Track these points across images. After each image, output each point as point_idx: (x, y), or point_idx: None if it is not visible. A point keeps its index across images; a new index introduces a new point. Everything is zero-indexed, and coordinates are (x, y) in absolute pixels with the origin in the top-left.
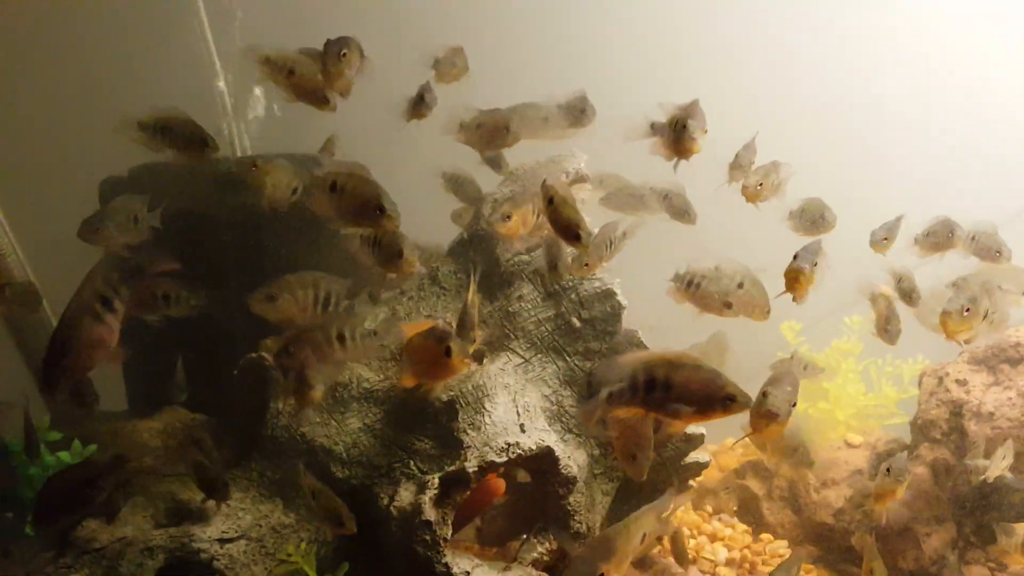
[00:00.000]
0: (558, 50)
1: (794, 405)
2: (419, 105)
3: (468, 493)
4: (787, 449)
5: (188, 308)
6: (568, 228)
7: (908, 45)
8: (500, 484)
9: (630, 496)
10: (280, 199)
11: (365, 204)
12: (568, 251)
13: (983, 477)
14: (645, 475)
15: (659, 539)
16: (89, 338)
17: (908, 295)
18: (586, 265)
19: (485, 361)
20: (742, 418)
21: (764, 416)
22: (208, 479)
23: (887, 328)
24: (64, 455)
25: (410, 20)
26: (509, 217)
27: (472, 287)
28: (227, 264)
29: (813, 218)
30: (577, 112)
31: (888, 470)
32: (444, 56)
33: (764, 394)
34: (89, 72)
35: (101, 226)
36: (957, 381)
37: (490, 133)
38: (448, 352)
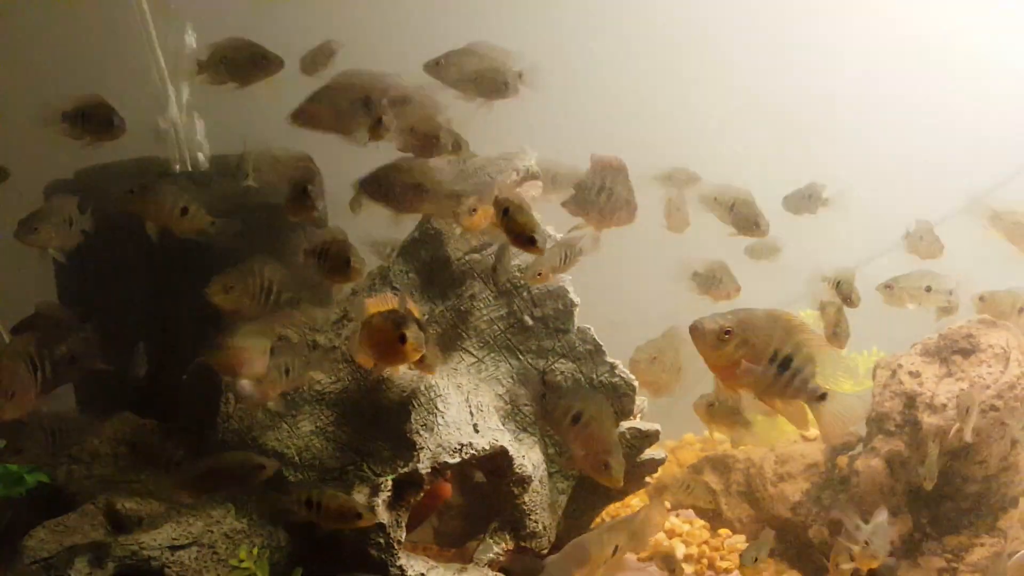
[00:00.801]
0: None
1: (728, 334)
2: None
3: (421, 495)
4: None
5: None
6: (523, 234)
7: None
8: (446, 487)
9: (587, 494)
10: (167, 222)
11: None
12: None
13: (965, 438)
14: (622, 480)
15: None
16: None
17: (848, 298)
18: (538, 275)
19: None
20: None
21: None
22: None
23: (836, 332)
24: (12, 466)
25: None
26: (475, 211)
27: None
28: (173, 264)
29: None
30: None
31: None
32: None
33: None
34: (35, 72)
35: (39, 226)
36: (910, 373)
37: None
38: (403, 339)
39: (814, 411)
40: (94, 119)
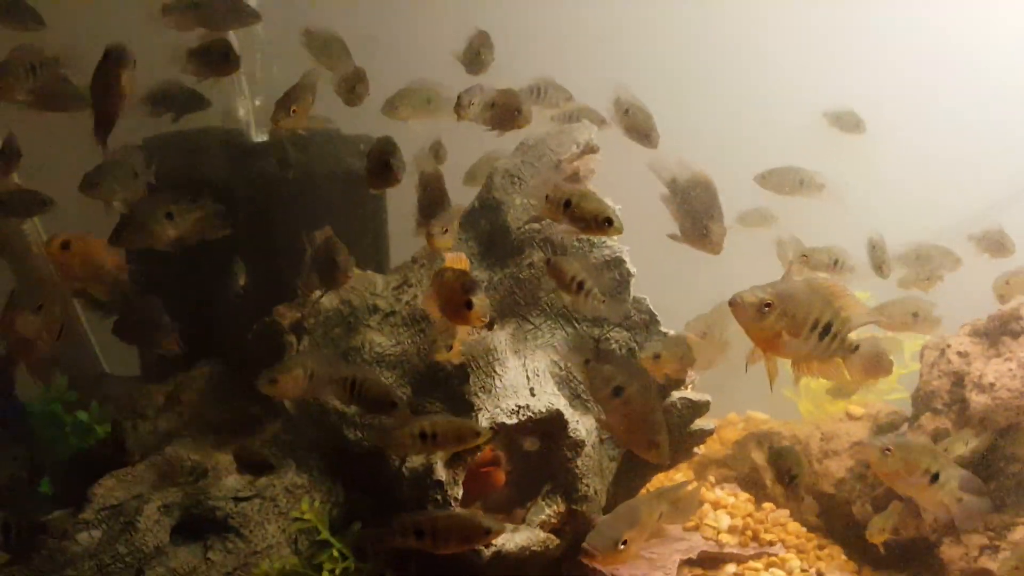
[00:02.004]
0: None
1: (769, 306)
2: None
3: (479, 455)
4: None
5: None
6: (596, 219)
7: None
8: (500, 474)
9: (636, 462)
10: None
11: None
12: None
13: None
14: (669, 458)
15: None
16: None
17: (879, 266)
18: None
19: (496, 327)
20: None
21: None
22: (250, 461)
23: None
24: (82, 414)
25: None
26: (446, 231)
27: None
28: (238, 233)
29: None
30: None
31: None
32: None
33: None
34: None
35: (101, 180)
36: (959, 353)
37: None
38: (469, 304)
39: (848, 364)
40: (215, 55)
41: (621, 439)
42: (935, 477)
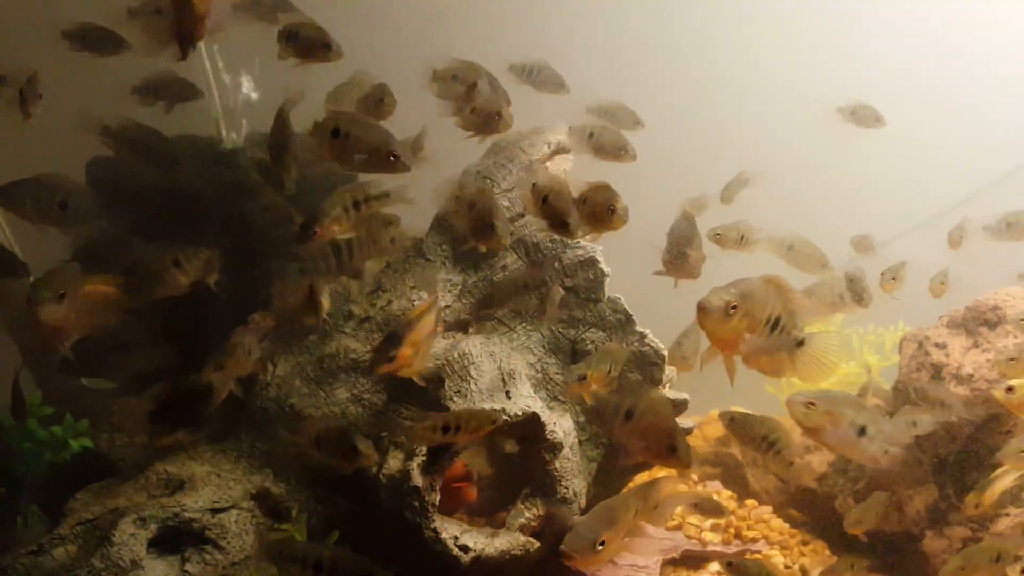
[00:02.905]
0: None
1: (735, 308)
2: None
3: (451, 470)
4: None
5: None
6: (558, 219)
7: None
8: (472, 490)
9: (615, 463)
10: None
11: None
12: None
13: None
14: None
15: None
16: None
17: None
18: None
19: (471, 330)
20: (725, 388)
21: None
22: (272, 507)
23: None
24: (57, 429)
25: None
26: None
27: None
28: (215, 240)
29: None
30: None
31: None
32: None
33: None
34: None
35: (20, 195)
36: (937, 344)
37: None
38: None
39: (794, 359)
40: (306, 41)
41: (641, 456)
42: (862, 430)
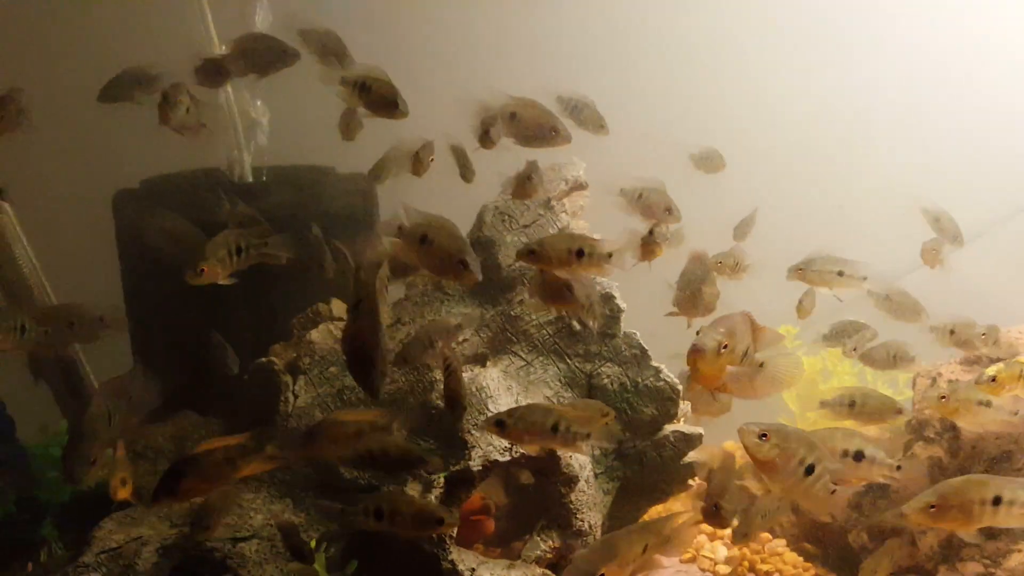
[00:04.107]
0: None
1: (726, 347)
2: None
3: (473, 493)
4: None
5: None
6: (450, 260)
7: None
8: (489, 522)
9: (631, 496)
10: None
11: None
12: None
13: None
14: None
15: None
16: None
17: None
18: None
19: (488, 364)
20: (738, 422)
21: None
22: (296, 544)
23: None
24: None
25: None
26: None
27: None
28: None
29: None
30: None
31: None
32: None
33: (697, 332)
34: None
35: None
36: (950, 382)
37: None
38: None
39: (755, 379)
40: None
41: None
42: (810, 469)
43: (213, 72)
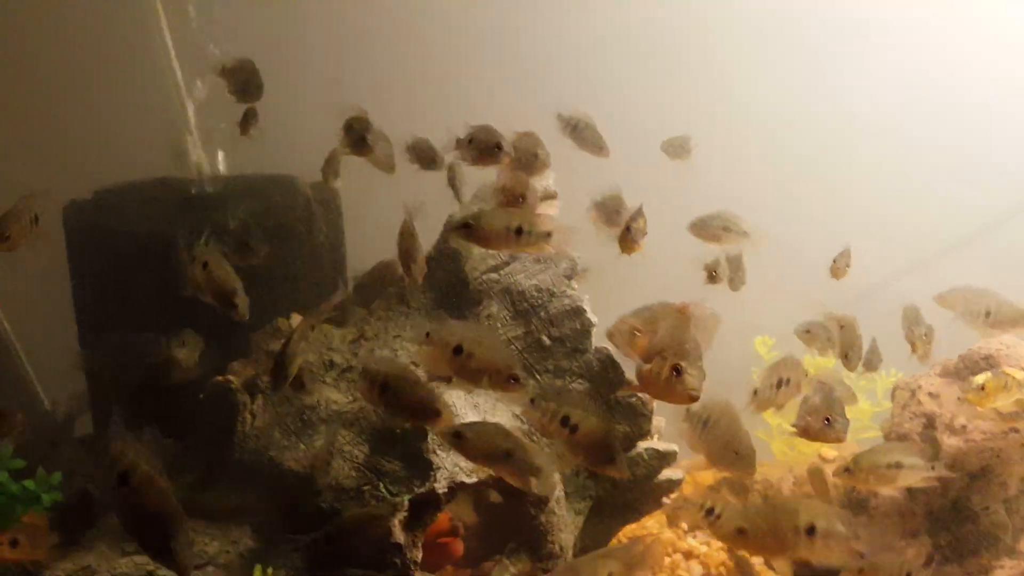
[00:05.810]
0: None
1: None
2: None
3: (438, 515)
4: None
5: None
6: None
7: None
8: (459, 545)
9: (604, 515)
10: None
11: None
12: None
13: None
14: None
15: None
16: None
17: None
18: None
19: (453, 381)
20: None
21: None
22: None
23: (848, 355)
24: (29, 483)
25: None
26: None
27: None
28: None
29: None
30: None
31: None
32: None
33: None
34: (45, 87)
35: None
36: (929, 394)
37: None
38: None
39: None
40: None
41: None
42: (811, 530)
43: None
